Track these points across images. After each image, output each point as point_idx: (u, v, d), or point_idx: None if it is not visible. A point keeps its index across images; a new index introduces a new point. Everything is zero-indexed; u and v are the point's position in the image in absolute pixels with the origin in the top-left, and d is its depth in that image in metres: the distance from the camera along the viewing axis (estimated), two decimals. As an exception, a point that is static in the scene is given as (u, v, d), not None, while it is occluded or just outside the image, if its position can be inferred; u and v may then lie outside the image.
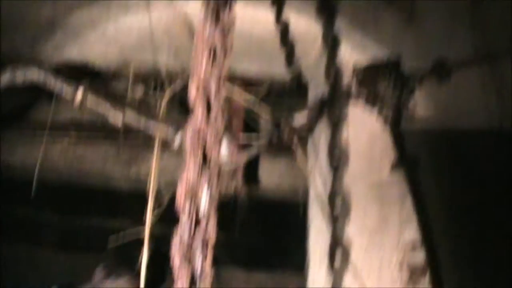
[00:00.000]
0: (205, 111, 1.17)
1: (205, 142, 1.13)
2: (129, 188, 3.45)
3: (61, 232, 3.97)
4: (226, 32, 1.21)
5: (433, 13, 2.48)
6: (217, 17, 1.26)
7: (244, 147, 2.44)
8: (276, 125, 2.32)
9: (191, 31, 2.40)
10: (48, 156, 3.33)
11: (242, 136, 2.50)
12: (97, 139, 3.39)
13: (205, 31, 1.23)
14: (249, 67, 2.54)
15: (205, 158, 1.13)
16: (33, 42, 2.68)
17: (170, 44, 2.44)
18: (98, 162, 3.53)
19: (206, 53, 1.21)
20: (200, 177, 1.13)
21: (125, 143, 3.21)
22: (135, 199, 3.09)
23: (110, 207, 3.79)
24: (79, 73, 2.67)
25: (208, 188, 1.13)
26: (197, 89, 1.19)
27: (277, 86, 2.61)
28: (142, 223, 2.62)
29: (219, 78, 1.20)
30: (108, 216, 3.84)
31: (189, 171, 1.13)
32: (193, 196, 1.13)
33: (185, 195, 1.13)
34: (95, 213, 3.91)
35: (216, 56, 1.21)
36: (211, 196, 1.13)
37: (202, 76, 1.20)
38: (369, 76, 2.26)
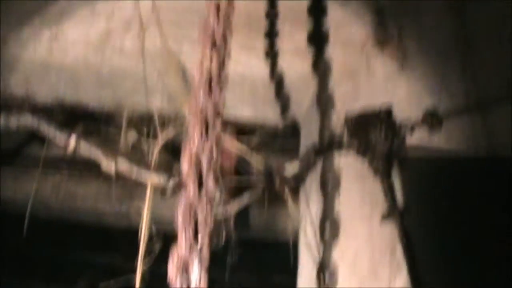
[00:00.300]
0: (196, 187, 1.18)
1: (197, 217, 1.14)
2: (120, 225, 3.45)
3: (52, 267, 3.96)
4: (218, 109, 1.22)
5: (425, 60, 2.51)
6: (209, 89, 1.27)
7: (235, 193, 2.45)
8: (268, 174, 2.33)
9: (184, 77, 2.42)
10: (39, 191, 3.32)
11: (233, 180, 2.51)
12: (89, 176, 3.39)
13: (198, 103, 1.25)
14: (242, 112, 2.55)
15: (196, 234, 1.14)
16: (27, 82, 2.69)
17: (164, 90, 2.45)
18: (90, 198, 3.53)
19: (198, 127, 1.22)
20: (191, 253, 1.14)
21: (117, 180, 3.21)
22: (126, 236, 3.09)
23: (102, 243, 3.79)
24: (73, 113, 2.68)
25: (199, 263, 1.14)
26: (189, 164, 1.20)
27: (270, 131, 2.63)
28: (133, 260, 2.62)
29: (211, 153, 1.21)
30: (100, 252, 3.83)
31: (180, 248, 1.13)
32: (184, 271, 1.14)
33: (176, 270, 1.13)
34: (87, 248, 3.91)
35: (209, 131, 1.22)
36: (202, 269, 1.13)
37: (194, 150, 1.21)
38: (360, 125, 2.28)
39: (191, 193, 1.18)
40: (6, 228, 3.42)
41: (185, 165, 1.20)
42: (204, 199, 1.19)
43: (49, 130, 2.34)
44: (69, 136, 2.32)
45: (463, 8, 2.67)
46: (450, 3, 2.67)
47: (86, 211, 3.55)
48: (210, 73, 1.25)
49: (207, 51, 1.23)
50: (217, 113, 1.24)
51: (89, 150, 2.34)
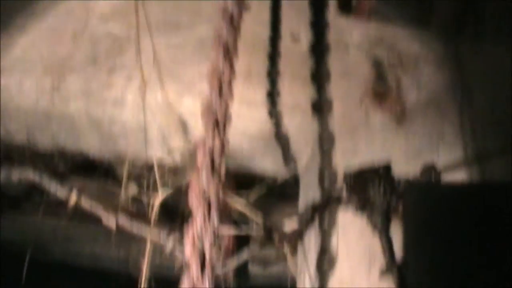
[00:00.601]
0: (199, 269, 1.20)
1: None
2: (118, 269, 3.45)
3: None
4: (219, 190, 1.24)
5: (423, 112, 2.54)
6: (212, 170, 1.29)
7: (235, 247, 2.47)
8: (267, 230, 2.35)
9: (185, 131, 2.44)
10: (38, 235, 3.33)
11: (232, 239, 2.53)
12: (87, 220, 3.39)
13: (201, 185, 1.26)
14: (242, 163, 2.57)
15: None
16: (28, 131, 2.71)
17: (164, 142, 2.48)
18: (88, 242, 3.54)
19: (201, 209, 1.24)
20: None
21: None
22: (124, 280, 3.09)
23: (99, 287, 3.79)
24: (74, 163, 2.70)
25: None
26: (192, 246, 1.22)
27: (269, 183, 2.65)
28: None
29: (213, 234, 1.23)
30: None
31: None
32: None
33: None
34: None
35: (211, 212, 1.24)
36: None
37: (196, 231, 1.23)
38: (359, 181, 2.29)
39: (194, 274, 1.20)
40: (4, 271, 3.41)
41: (188, 247, 1.22)
42: (207, 280, 1.21)
43: (50, 184, 2.36)
44: (70, 191, 2.34)
45: (461, 58, 2.70)
46: (448, 54, 2.71)
47: (84, 254, 3.56)
48: (212, 154, 1.27)
49: (210, 132, 1.26)
50: (219, 194, 1.26)
51: (89, 204, 2.36)
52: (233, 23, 1.79)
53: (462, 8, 2.98)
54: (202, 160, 1.28)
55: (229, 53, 1.72)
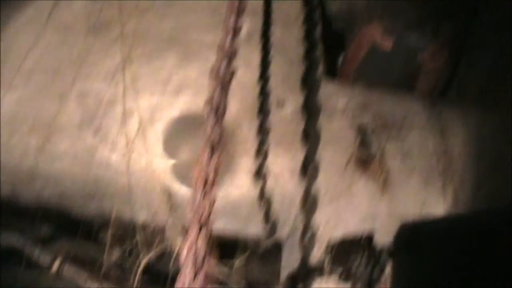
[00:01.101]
0: None
1: None
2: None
3: None
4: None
5: (407, 180, 2.56)
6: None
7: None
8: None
9: (169, 196, 2.45)
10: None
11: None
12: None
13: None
14: (225, 227, 2.57)
15: None
16: (13, 187, 2.70)
17: (149, 206, 2.48)
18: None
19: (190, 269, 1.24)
20: None
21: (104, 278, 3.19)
22: None
23: None
24: (58, 222, 2.70)
25: None
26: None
27: (252, 246, 2.65)
28: None
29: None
30: None
31: None
32: None
33: None
34: None
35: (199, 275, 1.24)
36: None
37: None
38: (342, 252, 2.31)
39: None
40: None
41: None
42: None
43: (34, 252, 2.36)
44: (54, 259, 2.34)
45: (445, 123, 2.73)
46: (431, 119, 2.74)
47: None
48: (201, 215, 1.28)
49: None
50: (208, 255, 1.27)
51: (72, 272, 2.35)
52: (224, 88, 1.81)
53: (446, 72, 3.03)
54: (191, 221, 1.30)
55: (217, 115, 1.74)
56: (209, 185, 1.52)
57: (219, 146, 1.67)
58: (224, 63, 1.81)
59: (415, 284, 2.27)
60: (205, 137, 1.64)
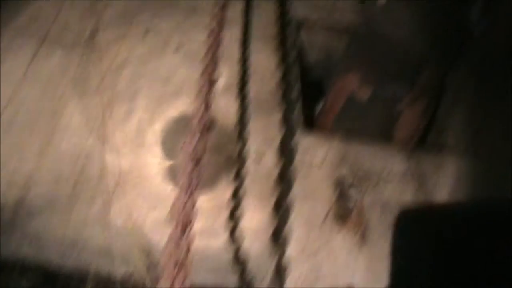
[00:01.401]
0: None
1: None
2: None
3: None
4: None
5: (385, 233, 2.56)
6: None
7: None
8: None
9: (148, 252, 2.45)
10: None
11: None
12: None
13: None
14: (205, 279, 2.57)
15: None
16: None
17: (128, 261, 2.47)
18: None
19: None
20: None
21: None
22: None
23: None
24: (36, 277, 2.68)
25: None
26: None
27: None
28: None
29: None
30: None
31: None
32: None
33: None
34: None
35: None
36: None
37: None
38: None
39: None
40: None
41: None
42: None
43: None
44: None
45: (423, 173, 2.75)
46: (410, 169, 2.76)
47: None
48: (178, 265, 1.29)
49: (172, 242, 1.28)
50: None
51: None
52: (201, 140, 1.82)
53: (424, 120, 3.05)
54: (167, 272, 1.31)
55: (197, 164, 1.75)
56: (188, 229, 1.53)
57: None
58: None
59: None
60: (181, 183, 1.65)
